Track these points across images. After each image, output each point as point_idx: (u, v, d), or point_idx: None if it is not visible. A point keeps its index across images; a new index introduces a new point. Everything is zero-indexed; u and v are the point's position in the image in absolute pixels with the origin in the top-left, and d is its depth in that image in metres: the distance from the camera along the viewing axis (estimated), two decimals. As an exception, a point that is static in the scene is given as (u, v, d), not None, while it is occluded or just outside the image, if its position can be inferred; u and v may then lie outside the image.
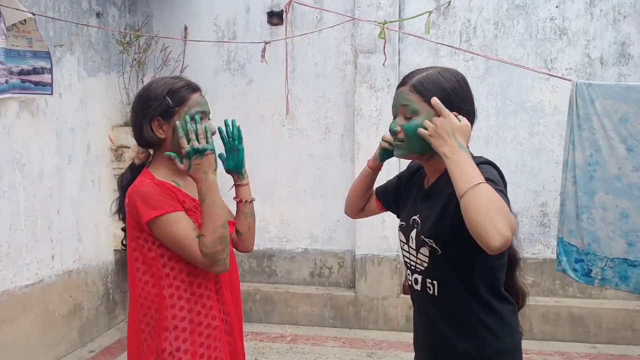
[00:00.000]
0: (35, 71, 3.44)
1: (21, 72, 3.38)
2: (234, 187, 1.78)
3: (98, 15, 4.28)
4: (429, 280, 1.49)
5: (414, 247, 1.52)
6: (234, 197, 1.77)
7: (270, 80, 4.62)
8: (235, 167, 1.75)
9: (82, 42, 4.08)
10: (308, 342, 4.14)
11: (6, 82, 3.24)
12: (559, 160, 4.08)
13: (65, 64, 3.89)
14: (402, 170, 1.79)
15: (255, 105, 4.71)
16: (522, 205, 4.30)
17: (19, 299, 3.44)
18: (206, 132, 1.53)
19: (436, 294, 1.48)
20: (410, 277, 1.57)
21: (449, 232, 1.40)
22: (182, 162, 1.51)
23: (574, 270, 2.82)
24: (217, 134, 1.67)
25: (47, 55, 3.47)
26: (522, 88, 4.27)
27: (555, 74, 3.61)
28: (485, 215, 1.19)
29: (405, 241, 1.58)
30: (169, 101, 1.55)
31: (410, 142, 1.46)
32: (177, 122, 1.50)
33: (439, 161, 1.45)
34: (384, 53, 4.19)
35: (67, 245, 3.88)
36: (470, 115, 1.49)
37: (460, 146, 1.33)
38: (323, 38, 4.54)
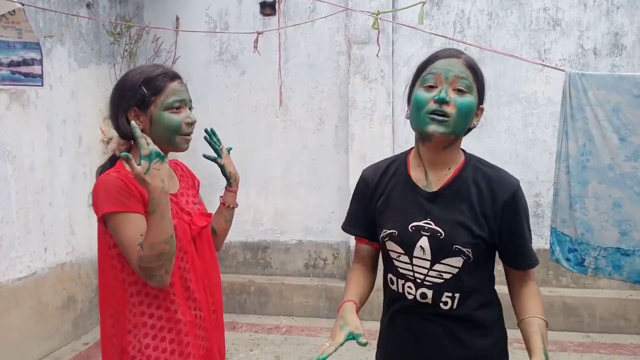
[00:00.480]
0: (25, 62, 3.39)
1: (11, 64, 3.33)
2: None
3: (88, 5, 4.22)
4: (447, 294, 1.35)
5: (429, 258, 1.35)
6: (220, 196, 1.82)
7: (263, 71, 4.59)
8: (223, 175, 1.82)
9: (72, 33, 4.04)
10: (303, 333, 4.15)
11: (-4, 73, 3.21)
12: (552, 150, 4.08)
13: (55, 55, 3.85)
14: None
15: (249, 97, 4.68)
16: (515, 196, 4.30)
17: (12, 292, 3.41)
18: (181, 136, 1.50)
19: (455, 306, 1.36)
20: (411, 291, 1.39)
21: (487, 240, 1.35)
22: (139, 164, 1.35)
23: (567, 259, 2.83)
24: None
25: (37, 47, 3.42)
26: (515, 79, 4.27)
27: (548, 65, 3.61)
28: None
29: (403, 252, 1.38)
30: (144, 90, 1.48)
31: (459, 120, 1.30)
32: (132, 122, 1.39)
33: (453, 150, 1.39)
34: (378, 44, 4.18)
35: (59, 237, 3.86)
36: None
37: (545, 354, 1.28)
38: (316, 29, 4.51)
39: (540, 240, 4.28)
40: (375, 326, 1.66)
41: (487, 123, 4.31)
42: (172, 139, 1.51)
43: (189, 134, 1.54)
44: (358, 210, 1.51)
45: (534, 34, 4.23)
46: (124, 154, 1.33)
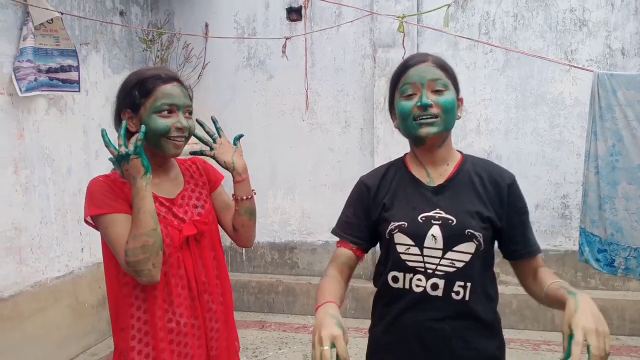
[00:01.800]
0: (62, 69, 3.54)
1: (49, 70, 3.48)
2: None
3: (121, 13, 4.37)
4: (459, 283, 1.35)
5: (440, 247, 1.35)
6: (232, 194, 1.69)
7: (290, 76, 4.67)
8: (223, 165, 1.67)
9: (106, 40, 4.18)
10: (330, 333, 4.19)
11: (35, 79, 3.35)
12: (580, 152, 4.07)
13: (90, 61, 3.99)
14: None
15: (276, 100, 4.77)
16: (542, 197, 4.29)
17: (51, 290, 3.56)
18: (139, 136, 1.42)
19: (467, 297, 1.36)
20: (421, 283, 1.37)
21: (492, 224, 1.38)
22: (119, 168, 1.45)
23: (597, 260, 2.83)
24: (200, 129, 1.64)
25: (74, 54, 3.56)
26: (542, 80, 4.25)
27: (577, 65, 3.60)
28: None
29: (413, 243, 1.37)
30: (136, 93, 1.49)
31: (447, 117, 1.37)
32: (102, 129, 1.45)
33: (448, 146, 1.45)
34: (403, 47, 4.20)
35: (95, 238, 3.93)
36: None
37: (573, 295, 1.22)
38: (342, 33, 4.57)
39: (568, 241, 4.25)
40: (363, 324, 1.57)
41: (513, 124, 4.31)
42: (158, 142, 1.49)
43: (178, 139, 1.51)
44: (355, 213, 1.50)
45: (561, 35, 4.21)
46: (110, 158, 1.44)
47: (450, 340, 1.36)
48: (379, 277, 1.50)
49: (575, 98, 4.18)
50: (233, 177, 1.65)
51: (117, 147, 1.42)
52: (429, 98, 1.36)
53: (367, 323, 4.58)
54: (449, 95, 1.37)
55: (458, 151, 1.50)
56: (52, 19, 3.39)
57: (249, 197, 1.66)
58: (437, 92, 1.37)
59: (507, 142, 4.33)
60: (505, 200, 1.40)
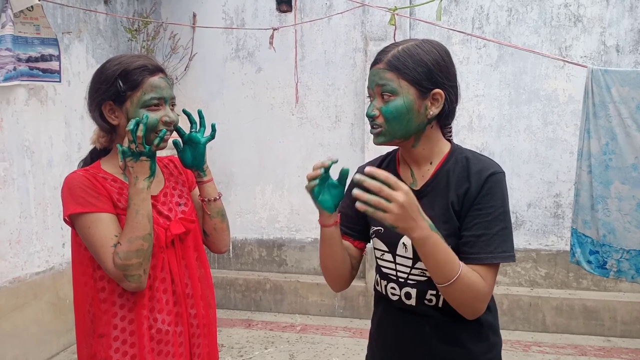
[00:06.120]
0: (43, 58, 3.42)
1: (29, 59, 3.36)
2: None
3: (106, 2, 4.24)
4: (431, 292, 1.32)
5: (410, 256, 1.31)
6: (198, 196, 1.61)
7: (280, 68, 4.58)
8: (193, 162, 1.58)
9: (90, 29, 4.06)
10: (318, 332, 4.12)
11: (14, 69, 3.23)
12: (573, 150, 4.01)
13: (73, 51, 3.88)
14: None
15: (265, 94, 4.67)
16: (535, 196, 4.24)
17: (31, 286, 3.45)
18: (157, 135, 1.40)
19: (440, 304, 1.32)
20: (395, 292, 1.36)
21: (459, 232, 1.28)
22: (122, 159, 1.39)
23: (589, 262, 2.77)
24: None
25: (55, 43, 3.44)
26: (535, 76, 4.19)
27: (570, 61, 3.53)
28: (467, 305, 1.24)
29: (387, 250, 1.36)
30: (121, 84, 1.39)
31: (392, 127, 1.28)
32: (145, 115, 1.38)
33: (427, 146, 1.33)
34: (395, 40, 4.12)
35: (76, 233, 3.89)
36: (454, 92, 1.30)
37: (431, 226, 1.16)
38: (332, 25, 4.48)
39: (560, 241, 4.20)
40: (362, 324, 1.56)
41: (506, 121, 4.24)
42: (147, 137, 1.42)
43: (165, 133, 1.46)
44: (350, 205, 1.37)
45: (555, 30, 4.14)
46: (122, 147, 1.37)
47: (430, 340, 1.34)
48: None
49: (569, 95, 4.12)
50: (203, 175, 1.58)
51: (135, 140, 1.36)
52: (375, 107, 1.29)
53: (356, 322, 4.54)
54: (394, 102, 1.26)
55: (448, 140, 1.38)
56: (32, 6, 3.27)
57: (219, 197, 1.61)
58: (385, 98, 1.28)
59: (500, 139, 4.27)
60: (473, 198, 1.27)
